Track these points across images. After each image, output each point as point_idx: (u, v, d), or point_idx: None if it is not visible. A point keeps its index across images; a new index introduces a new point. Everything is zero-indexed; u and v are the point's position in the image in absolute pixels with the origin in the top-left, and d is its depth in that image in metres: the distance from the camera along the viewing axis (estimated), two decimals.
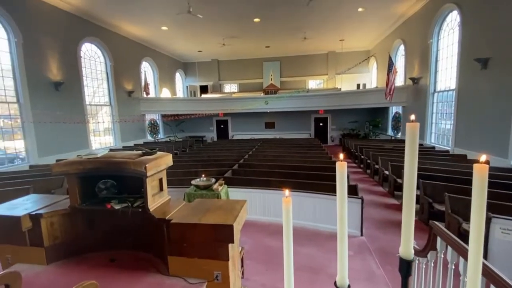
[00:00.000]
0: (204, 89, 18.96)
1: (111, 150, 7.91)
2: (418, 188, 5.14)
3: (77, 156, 2.81)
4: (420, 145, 9.64)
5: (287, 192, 0.70)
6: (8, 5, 7.43)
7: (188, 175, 6.17)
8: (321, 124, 15.91)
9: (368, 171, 8.63)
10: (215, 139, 16.72)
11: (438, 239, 2.04)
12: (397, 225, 4.83)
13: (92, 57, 10.90)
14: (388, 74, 10.49)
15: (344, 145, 12.56)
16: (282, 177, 5.94)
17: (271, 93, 16.16)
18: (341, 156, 0.68)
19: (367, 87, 15.96)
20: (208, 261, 2.24)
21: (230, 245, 2.21)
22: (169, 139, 15.14)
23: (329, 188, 5.06)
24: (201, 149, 11.16)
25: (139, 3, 9.32)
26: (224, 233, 2.11)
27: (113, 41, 11.70)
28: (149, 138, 14.50)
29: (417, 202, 5.31)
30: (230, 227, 2.10)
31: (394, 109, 12.85)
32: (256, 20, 11.31)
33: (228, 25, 11.83)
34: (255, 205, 5.04)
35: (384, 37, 13.66)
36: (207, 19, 10.83)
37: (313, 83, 18.04)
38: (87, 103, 10.32)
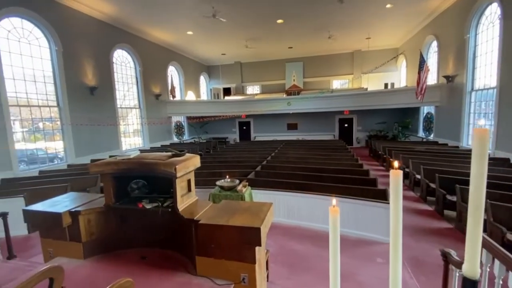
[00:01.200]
0: (227, 91, 19.24)
1: (140, 150, 8.30)
2: (455, 194, 4.79)
3: (110, 156, 2.96)
4: (455, 147, 9.00)
5: (334, 200, 0.67)
6: (50, 16, 8.07)
7: (212, 176, 6.27)
8: (346, 125, 15.45)
9: None
10: (238, 140, 16.88)
11: (483, 250, 1.87)
12: (431, 233, 4.54)
13: (123, 63, 11.50)
14: (419, 73, 9.94)
15: (371, 147, 12.08)
16: (306, 179, 5.83)
17: (294, 94, 16.00)
18: (396, 164, 0.63)
19: (396, 86, 15.26)
20: (235, 263, 2.25)
21: (257, 248, 2.20)
22: (194, 140, 15.54)
23: (356, 192, 4.88)
24: (224, 150, 11.31)
25: (166, 10, 9.68)
26: (251, 236, 2.11)
27: (142, 46, 12.26)
28: (175, 139, 14.99)
29: (453, 209, 4.96)
30: (257, 230, 2.09)
31: (425, 109, 12.14)
32: (280, 21, 11.27)
33: (252, 27, 11.91)
34: (279, 207, 5.00)
35: (414, 33, 12.98)
36: (231, 23, 10.99)
37: (337, 83, 17.60)
38: (118, 106, 10.89)
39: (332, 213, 0.66)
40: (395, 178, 0.58)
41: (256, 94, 18.31)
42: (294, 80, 17.11)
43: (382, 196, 4.67)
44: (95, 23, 9.71)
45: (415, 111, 12.86)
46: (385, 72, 15.71)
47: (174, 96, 14.42)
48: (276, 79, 18.31)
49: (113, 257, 2.86)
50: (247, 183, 5.19)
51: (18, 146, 7.39)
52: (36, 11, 7.67)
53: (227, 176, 5.12)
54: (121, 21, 10.61)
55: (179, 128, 15.43)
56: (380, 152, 10.27)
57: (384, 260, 3.73)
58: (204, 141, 15.24)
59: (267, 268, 3.24)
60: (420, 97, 9.91)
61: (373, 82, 16.01)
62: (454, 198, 4.92)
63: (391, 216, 0.62)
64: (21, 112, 7.65)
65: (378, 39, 14.47)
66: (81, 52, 9.19)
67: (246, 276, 2.24)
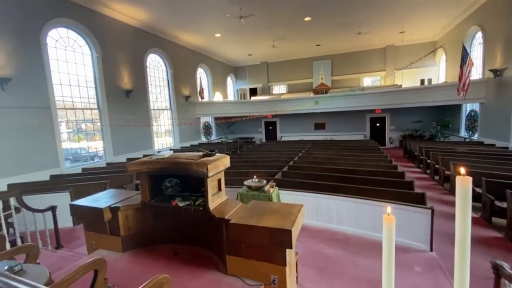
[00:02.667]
0: (253, 92, 19.35)
1: (172, 150, 8.66)
2: (505, 200, 4.34)
3: (144, 155, 3.11)
4: (505, 148, 8.15)
5: (389, 208, 0.62)
6: (92, 26, 8.72)
7: (238, 176, 6.33)
8: (377, 124, 14.73)
9: (436, 177, 7.64)
10: (264, 140, 16.90)
11: None
12: (477, 242, 4.16)
13: (155, 66, 12.08)
14: (461, 67, 9.15)
15: (405, 147, 11.39)
16: (335, 181, 5.66)
17: (322, 92, 15.62)
18: (462, 170, 0.57)
19: (433, 82, 14.23)
20: (265, 264, 2.24)
21: (287, 250, 2.17)
22: (221, 140, 15.85)
23: (390, 195, 4.62)
24: (251, 150, 11.38)
25: (196, 14, 9.98)
26: (282, 238, 2.08)
27: (173, 50, 12.77)
28: (203, 139, 15.41)
29: (503, 216, 4.49)
30: (288, 232, 2.06)
31: (468, 107, 11.16)
32: (307, 19, 11.07)
33: (279, 26, 11.85)
34: (307, 209, 4.90)
35: (455, 25, 11.99)
36: (258, 23, 11.02)
37: (368, 81, 16.86)
38: (151, 107, 11.46)
39: (386, 222, 0.61)
40: (463, 186, 0.51)
41: (283, 94, 18.19)
42: (321, 79, 16.70)
43: (420, 200, 4.37)
44: (130, 30, 10.30)
45: (456, 108, 11.87)
46: (421, 68, 14.72)
47: (202, 98, 14.83)
48: (303, 78, 18.02)
49: (148, 252, 3.00)
50: (274, 184, 5.16)
51: (64, 145, 8.09)
52: (80, 21, 8.33)
53: (255, 176, 5.13)
54: (154, 27, 11.14)
55: (207, 129, 15.84)
56: (416, 153, 9.64)
57: (422, 269, 3.49)
58: (231, 141, 15.47)
59: (296, 271, 3.19)
60: (463, 94, 9.12)
61: (408, 79, 15.09)
62: (504, 205, 4.46)
63: (458, 228, 0.56)
64: (67, 114, 8.36)
65: (414, 33, 13.60)
66: (118, 57, 9.81)
67: (276, 278, 2.22)
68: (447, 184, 6.85)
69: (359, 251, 3.98)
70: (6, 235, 2.76)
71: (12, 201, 3.77)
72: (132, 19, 10.15)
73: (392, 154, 9.81)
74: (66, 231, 5.01)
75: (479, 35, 10.25)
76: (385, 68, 15.85)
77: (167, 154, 2.99)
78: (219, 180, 2.87)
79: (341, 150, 9.54)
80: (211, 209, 2.65)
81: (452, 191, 6.48)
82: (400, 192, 4.67)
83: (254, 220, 2.28)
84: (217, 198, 2.80)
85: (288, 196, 5.06)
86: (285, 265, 2.16)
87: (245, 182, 4.99)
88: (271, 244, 2.14)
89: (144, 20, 10.43)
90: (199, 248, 2.95)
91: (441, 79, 14.12)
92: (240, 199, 4.90)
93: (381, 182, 5.30)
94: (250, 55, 16.84)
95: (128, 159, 9.27)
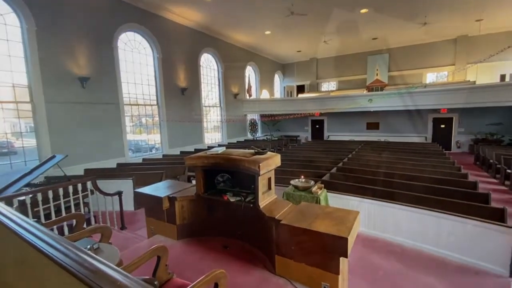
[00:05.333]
0: (301, 89, 18.97)
1: (220, 146, 9.02)
2: None
3: (195, 149, 3.26)
4: None
5: None
6: (154, 29, 9.52)
7: (282, 174, 6.25)
8: (442, 126, 13.09)
9: None
10: (310, 139, 16.46)
11: None
12: None
13: (208, 66, 12.68)
14: None
15: (478, 153, 9.91)
16: (391, 186, 5.19)
17: (376, 90, 14.50)
18: None
19: None
20: (316, 270, 2.16)
21: (341, 258, 2.05)
22: (266, 138, 15.95)
23: (458, 208, 4.05)
24: (296, 149, 11.19)
25: (248, 12, 10.13)
26: (336, 245, 1.97)
27: (224, 49, 13.23)
28: (249, 136, 15.70)
29: None
30: (344, 240, 1.94)
31: None
32: (364, 11, 10.34)
33: (331, 20, 11.33)
34: None
35: None
36: (309, 17, 10.70)
37: (432, 77, 15.08)
38: (203, 104, 12.08)
39: None
40: None
41: (332, 91, 17.44)
42: (377, 75, 15.51)
43: (498, 217, 3.74)
44: (187, 31, 10.97)
45: None
46: (502, 61, 12.57)
47: (250, 95, 15.08)
48: (355, 74, 16.98)
49: (200, 242, 3.16)
50: (322, 185, 4.97)
51: (128, 137, 9.05)
52: (145, 25, 9.17)
53: (302, 176, 5.01)
54: (208, 27, 11.67)
55: (252, 126, 16.09)
56: (491, 161, 8.31)
57: None
58: (276, 139, 15.45)
59: None
60: None
61: (484, 74, 13.04)
62: None
63: None
64: (131, 110, 9.32)
65: (494, 20, 11.65)
66: (176, 57, 10.55)
67: (327, 286, 2.12)
68: None
69: (418, 267, 3.59)
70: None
71: (89, 185, 4.36)
72: (189, 21, 10.79)
73: (459, 160, 8.61)
74: (128, 214, 5.59)
75: None
76: (454, 62, 13.95)
77: (220, 150, 3.09)
78: (269, 179, 2.86)
79: (398, 153, 8.74)
80: (261, 207, 2.66)
81: None
82: (471, 205, 4.06)
83: (306, 223, 2.21)
84: (267, 197, 2.80)
85: (336, 200, 4.83)
86: (338, 273, 2.05)
87: (292, 182, 4.90)
88: (324, 251, 2.05)
89: (199, 21, 10.99)
90: (247, 244, 3.00)
91: None
92: (286, 198, 4.85)
93: (447, 192, 4.69)
94: (299, 51, 16.50)
95: (182, 152, 9.95)
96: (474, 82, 12.34)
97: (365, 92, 14.69)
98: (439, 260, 3.71)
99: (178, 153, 10.02)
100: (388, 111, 13.27)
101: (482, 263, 3.49)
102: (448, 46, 14.13)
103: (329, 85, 18.56)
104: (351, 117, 14.80)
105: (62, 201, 3.72)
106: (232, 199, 2.85)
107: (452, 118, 12.81)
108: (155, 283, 1.60)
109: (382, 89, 14.36)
